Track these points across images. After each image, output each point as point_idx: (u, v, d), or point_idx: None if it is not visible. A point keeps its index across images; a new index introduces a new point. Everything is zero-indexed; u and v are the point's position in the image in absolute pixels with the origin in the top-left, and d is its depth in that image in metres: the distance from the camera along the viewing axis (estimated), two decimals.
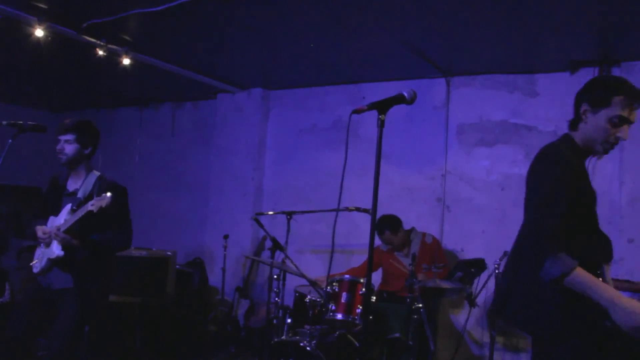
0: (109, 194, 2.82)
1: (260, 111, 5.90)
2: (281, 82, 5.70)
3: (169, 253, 4.74)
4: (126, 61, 4.50)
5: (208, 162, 6.27)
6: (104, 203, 2.81)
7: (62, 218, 3.01)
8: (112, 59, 4.49)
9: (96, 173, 3.17)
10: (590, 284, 1.82)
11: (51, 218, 3.14)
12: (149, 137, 6.93)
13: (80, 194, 3.08)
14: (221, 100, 6.15)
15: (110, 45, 4.30)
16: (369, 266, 2.13)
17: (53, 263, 3.01)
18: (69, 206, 3.03)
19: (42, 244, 3.07)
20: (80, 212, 2.89)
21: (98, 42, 4.22)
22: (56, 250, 2.95)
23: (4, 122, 2.86)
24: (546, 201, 2.00)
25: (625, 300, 1.78)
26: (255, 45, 4.42)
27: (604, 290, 1.80)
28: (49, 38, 3.99)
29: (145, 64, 4.83)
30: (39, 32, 3.87)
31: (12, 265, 5.91)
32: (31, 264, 3.16)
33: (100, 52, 4.29)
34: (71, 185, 3.16)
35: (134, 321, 4.48)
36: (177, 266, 4.97)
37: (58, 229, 2.92)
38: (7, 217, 7.41)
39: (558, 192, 2.00)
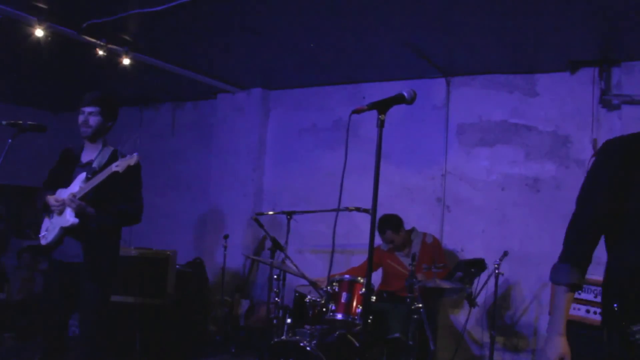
0: (136, 153, 2.89)
1: (260, 111, 5.89)
2: (281, 82, 5.70)
3: (169, 253, 4.74)
4: (126, 61, 4.50)
5: (208, 162, 6.27)
6: (132, 161, 2.87)
7: (76, 186, 3.03)
8: (112, 59, 4.49)
9: (111, 148, 3.24)
10: (555, 309, 1.82)
11: (60, 190, 3.15)
12: (149, 137, 6.93)
13: (95, 164, 3.12)
14: (221, 100, 6.15)
15: (110, 45, 4.30)
16: (369, 266, 2.13)
17: (65, 232, 3.04)
18: (83, 175, 3.06)
19: (52, 215, 3.09)
20: (102, 176, 2.92)
21: (98, 42, 4.22)
22: (70, 217, 2.97)
23: (4, 122, 2.87)
24: (578, 206, 1.92)
25: (554, 340, 1.78)
26: (255, 45, 4.42)
27: (556, 321, 1.80)
28: (49, 38, 3.99)
29: (145, 64, 4.83)
30: (39, 32, 3.87)
31: (12, 265, 5.92)
32: (40, 235, 3.18)
33: (100, 52, 4.29)
34: (85, 157, 3.21)
35: (133, 321, 4.47)
36: (177, 266, 4.97)
37: (74, 196, 2.94)
38: (7, 217, 7.41)
39: (592, 193, 1.85)
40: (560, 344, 1.78)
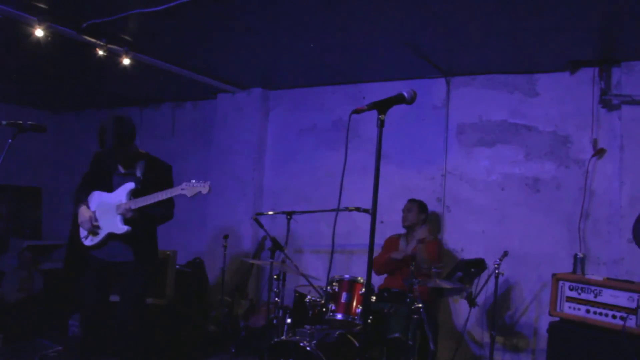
0: (208, 182, 3.23)
1: (260, 111, 5.90)
2: (281, 82, 5.70)
3: (168, 253, 4.74)
4: (126, 61, 4.50)
5: (208, 161, 6.27)
6: (205, 190, 3.21)
7: (123, 196, 3.30)
8: (112, 59, 4.49)
9: (142, 152, 3.52)
10: None
11: (97, 193, 3.43)
12: (149, 137, 6.92)
13: (138, 173, 3.41)
14: (221, 100, 6.15)
15: (110, 45, 4.30)
16: (369, 265, 2.13)
17: (111, 238, 3.32)
18: (130, 185, 3.32)
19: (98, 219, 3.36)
20: (166, 194, 3.19)
21: (98, 42, 4.22)
22: (122, 226, 3.26)
23: (4, 122, 2.88)
24: None
25: None
26: (255, 45, 4.42)
27: None
28: (49, 38, 3.99)
29: (145, 64, 4.83)
30: (39, 32, 3.87)
31: (12, 265, 5.92)
32: (82, 236, 3.45)
33: (100, 52, 4.29)
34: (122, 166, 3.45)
35: None
36: (177, 266, 4.97)
37: (129, 207, 3.21)
38: (7, 217, 7.41)
39: None
40: None
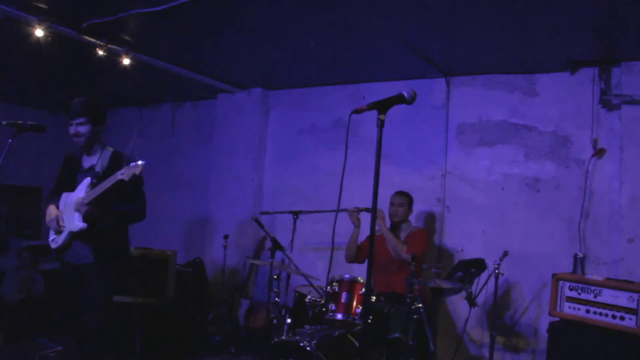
0: (142, 162, 2.94)
1: (260, 111, 5.90)
2: (281, 82, 5.70)
3: (168, 253, 4.74)
4: (126, 61, 4.51)
5: (208, 161, 6.27)
6: (137, 171, 2.91)
7: (82, 191, 3.14)
8: (112, 59, 4.49)
9: (110, 149, 3.34)
10: None
11: (64, 194, 3.28)
12: (149, 137, 6.93)
13: (98, 169, 3.23)
14: (221, 100, 6.15)
15: (110, 45, 4.30)
16: (369, 265, 2.13)
17: (73, 236, 3.16)
18: (87, 180, 3.16)
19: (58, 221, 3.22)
20: (108, 183, 2.99)
21: (98, 42, 4.22)
22: (79, 222, 3.09)
23: (4, 122, 2.89)
24: None
25: None
26: (255, 45, 4.42)
27: None
28: (49, 38, 3.99)
29: (145, 64, 4.83)
30: (39, 32, 3.87)
31: (11, 266, 5.91)
32: (49, 239, 3.31)
33: (100, 52, 4.29)
34: (86, 163, 3.31)
35: (134, 321, 4.47)
36: (177, 266, 4.97)
37: (82, 202, 3.05)
38: (7, 217, 7.41)
39: None
40: None
